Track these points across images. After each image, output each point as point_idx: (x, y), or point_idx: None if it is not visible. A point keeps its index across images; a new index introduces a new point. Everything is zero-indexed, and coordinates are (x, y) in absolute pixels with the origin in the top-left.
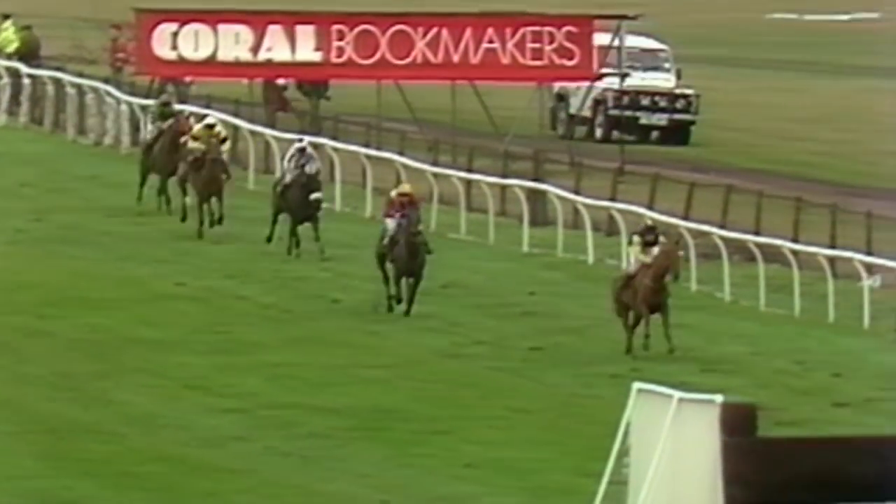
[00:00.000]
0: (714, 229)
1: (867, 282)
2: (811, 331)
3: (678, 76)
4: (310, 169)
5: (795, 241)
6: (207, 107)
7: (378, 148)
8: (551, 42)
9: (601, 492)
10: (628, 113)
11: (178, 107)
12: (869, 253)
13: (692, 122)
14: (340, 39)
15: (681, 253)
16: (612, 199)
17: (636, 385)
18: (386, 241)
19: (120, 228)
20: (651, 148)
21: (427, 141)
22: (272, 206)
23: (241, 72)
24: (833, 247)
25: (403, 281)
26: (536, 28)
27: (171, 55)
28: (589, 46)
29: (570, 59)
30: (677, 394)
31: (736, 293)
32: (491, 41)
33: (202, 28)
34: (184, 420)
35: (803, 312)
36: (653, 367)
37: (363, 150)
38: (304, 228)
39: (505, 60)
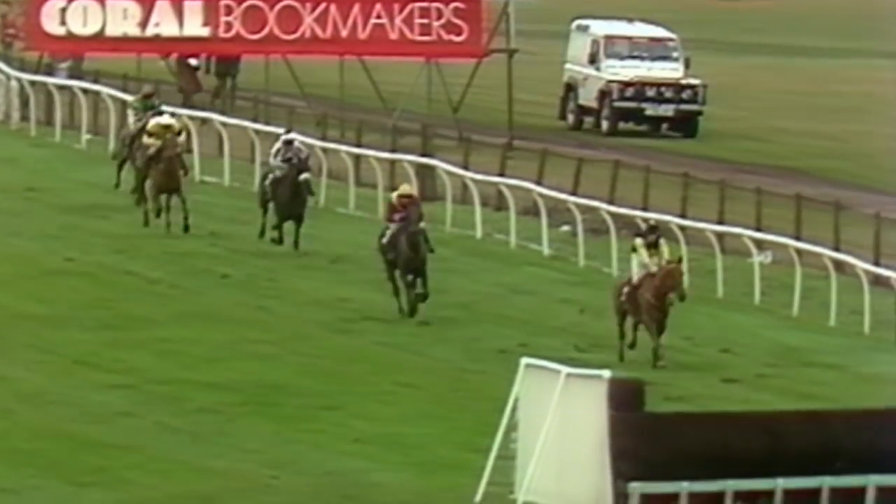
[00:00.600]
0: (602, 205)
1: (757, 258)
2: (700, 307)
3: (687, 66)
4: (298, 160)
5: (683, 216)
6: (96, 82)
7: (267, 123)
8: (439, 18)
9: (489, 466)
10: (633, 104)
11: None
12: (758, 229)
13: (699, 113)
14: (228, 14)
15: (683, 270)
16: (501, 175)
17: (524, 360)
18: (386, 239)
19: (8, 204)
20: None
21: (315, 116)
22: (259, 199)
23: (130, 47)
24: (721, 223)
25: (409, 277)
26: (424, 4)
27: (60, 31)
28: (478, 22)
29: (459, 34)
30: (565, 369)
31: (624, 269)
32: (379, 17)
33: (91, 4)
34: (73, 396)
35: (692, 288)
36: (540, 342)
37: (252, 125)
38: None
39: (393, 36)
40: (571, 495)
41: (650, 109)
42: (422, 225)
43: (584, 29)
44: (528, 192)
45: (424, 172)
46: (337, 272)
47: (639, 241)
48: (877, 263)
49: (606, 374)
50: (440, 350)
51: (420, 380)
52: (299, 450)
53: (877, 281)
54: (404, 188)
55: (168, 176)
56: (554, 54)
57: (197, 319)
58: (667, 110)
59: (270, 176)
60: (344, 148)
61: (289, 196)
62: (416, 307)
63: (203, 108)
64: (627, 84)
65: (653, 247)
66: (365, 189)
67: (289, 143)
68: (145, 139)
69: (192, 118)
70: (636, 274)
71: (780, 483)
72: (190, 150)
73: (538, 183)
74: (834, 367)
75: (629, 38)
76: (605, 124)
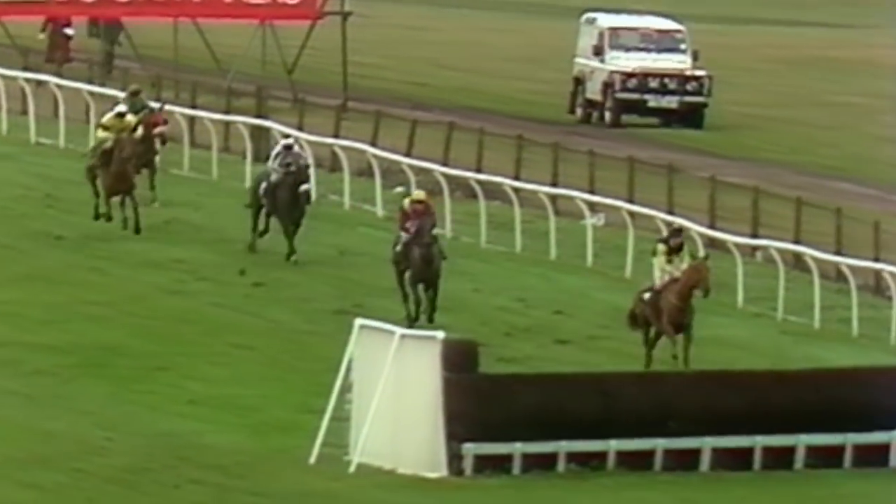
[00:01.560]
0: (436, 166)
1: (590, 220)
2: (532, 268)
3: (695, 57)
4: (297, 167)
5: (517, 178)
6: None
7: (102, 85)
8: None
9: (323, 428)
10: (636, 95)
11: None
12: (591, 192)
13: (705, 105)
14: None
15: (710, 266)
16: (335, 136)
17: (358, 321)
18: (399, 247)
19: None
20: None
21: (150, 77)
22: (251, 204)
23: None
24: (555, 185)
25: (420, 287)
26: None
27: None
28: None
29: None
30: (399, 330)
31: (457, 230)
32: None
33: None
34: None
35: (524, 250)
36: (375, 303)
37: (86, 87)
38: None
39: None
40: (405, 456)
41: (653, 101)
42: (435, 236)
43: (592, 21)
44: (362, 154)
45: (259, 134)
46: (171, 233)
47: (661, 246)
48: (712, 226)
49: (440, 335)
50: (274, 311)
51: (254, 341)
52: (134, 411)
53: (712, 244)
54: (418, 194)
55: (120, 178)
56: (388, 17)
57: (31, 281)
58: (671, 102)
59: (264, 183)
60: (178, 109)
61: (288, 202)
62: (432, 317)
63: (37, 70)
64: (630, 75)
65: (675, 252)
66: (199, 150)
67: (288, 147)
68: (99, 133)
69: (27, 80)
70: (658, 279)
71: (613, 444)
72: (26, 112)
73: (372, 144)
74: None
75: (635, 29)
76: (607, 116)
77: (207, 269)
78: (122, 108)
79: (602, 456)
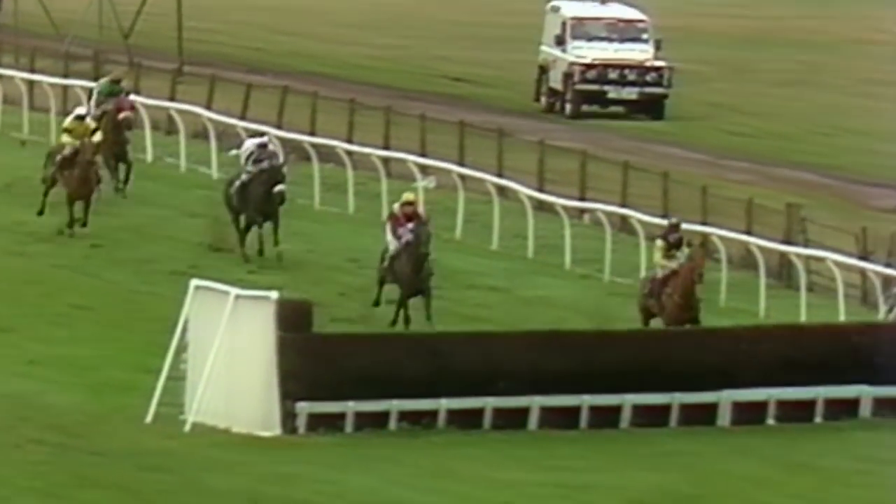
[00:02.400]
0: (271, 129)
1: (421, 182)
2: (365, 229)
3: (657, 47)
4: (272, 163)
5: (349, 141)
6: None
7: None
8: None
9: (160, 387)
10: (595, 87)
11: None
12: (423, 154)
13: (665, 96)
14: None
15: (704, 258)
16: (171, 99)
17: (194, 282)
18: (386, 262)
19: None
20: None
21: None
22: (227, 205)
23: None
24: (387, 148)
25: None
26: None
27: None
28: None
29: None
30: (234, 290)
31: (293, 192)
32: None
33: None
34: None
35: (358, 211)
36: (211, 264)
37: None
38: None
39: None
40: (240, 416)
41: (613, 92)
42: (430, 247)
43: (556, 10)
44: (197, 117)
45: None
46: (11, 195)
47: (660, 242)
48: (540, 189)
49: (274, 295)
50: (112, 272)
51: (93, 301)
52: None
53: (540, 206)
54: (407, 196)
55: (82, 183)
56: None
57: None
58: (630, 93)
59: (237, 182)
60: (17, 74)
61: (260, 197)
62: (429, 315)
63: None
64: (589, 66)
65: (675, 247)
66: (38, 114)
67: (262, 146)
68: (63, 138)
69: None
70: (660, 272)
71: (444, 403)
72: None
73: (207, 108)
74: (497, 289)
75: (598, 19)
76: (568, 107)
77: (47, 231)
78: (81, 110)
79: (433, 414)
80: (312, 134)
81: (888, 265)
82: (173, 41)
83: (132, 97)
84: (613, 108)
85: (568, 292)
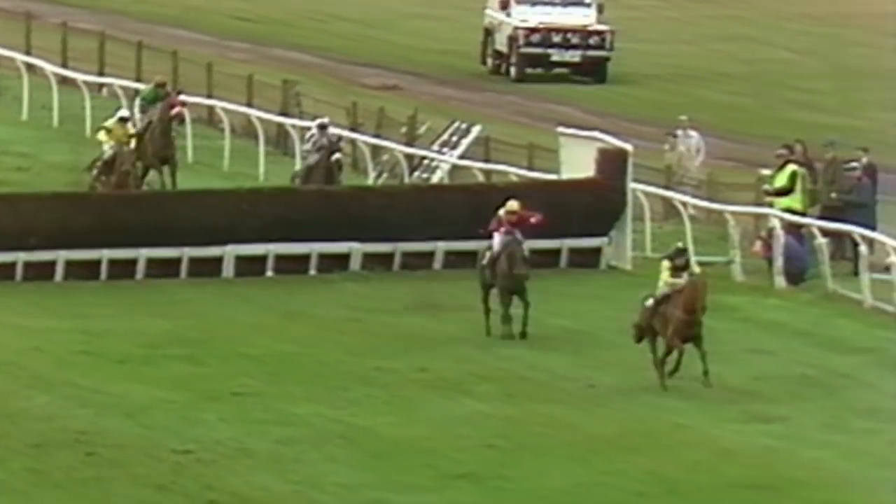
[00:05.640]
0: None
1: None
2: None
3: (600, 11)
4: (331, 145)
5: None
6: None
7: None
8: None
9: None
10: (539, 50)
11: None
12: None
13: (607, 59)
14: None
15: (707, 283)
16: None
17: None
18: (486, 261)
19: None
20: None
21: None
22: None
23: None
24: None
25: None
26: None
27: None
28: None
29: None
30: None
31: None
32: None
33: None
34: None
35: None
36: None
37: None
38: None
39: None
40: None
41: (556, 55)
42: (525, 251)
43: None
44: None
45: None
46: None
47: (666, 262)
48: (64, 66)
49: None
50: None
51: None
52: None
53: (64, 81)
54: (512, 204)
55: (119, 189)
56: None
57: None
58: (573, 56)
59: (303, 166)
60: None
61: (321, 180)
62: (524, 328)
63: None
64: (533, 30)
65: (681, 270)
66: None
67: (323, 127)
68: (100, 135)
69: None
70: (665, 290)
71: None
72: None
73: None
74: (26, 155)
75: None
76: (513, 70)
77: None
78: (124, 112)
79: None
80: None
81: (377, 136)
82: None
83: (182, 97)
84: (557, 71)
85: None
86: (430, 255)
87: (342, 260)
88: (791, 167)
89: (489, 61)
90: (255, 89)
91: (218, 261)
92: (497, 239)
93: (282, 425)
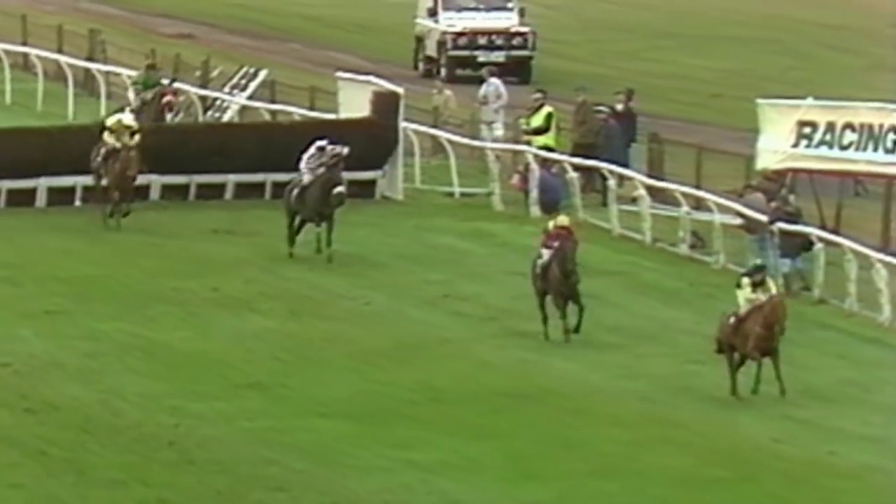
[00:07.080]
0: None
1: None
2: None
3: (521, 14)
4: (329, 169)
5: None
6: None
7: None
8: None
9: None
10: (466, 52)
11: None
12: None
13: (530, 58)
14: None
15: (788, 304)
16: None
17: None
18: (538, 270)
19: None
20: None
21: None
22: (286, 210)
23: None
24: None
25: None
26: None
27: None
28: None
29: None
30: None
31: None
32: None
33: None
34: None
35: None
36: None
37: None
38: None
39: None
40: None
41: (482, 56)
42: (576, 262)
43: None
44: None
45: None
46: None
47: (745, 280)
48: None
49: None
50: None
51: None
52: None
53: None
54: (562, 220)
55: (122, 177)
56: None
57: None
58: (498, 56)
59: (296, 189)
60: None
61: (318, 198)
62: (578, 327)
63: None
64: (460, 34)
65: (758, 286)
66: None
67: (322, 149)
68: (105, 136)
69: None
70: (743, 308)
71: None
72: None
73: None
74: None
75: None
76: (443, 72)
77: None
78: (128, 116)
79: None
80: None
81: (174, 80)
82: None
83: (176, 84)
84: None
85: None
86: (222, 186)
87: (143, 191)
88: (546, 109)
89: (420, 66)
90: (64, 38)
91: (32, 192)
92: (547, 252)
93: (89, 340)
